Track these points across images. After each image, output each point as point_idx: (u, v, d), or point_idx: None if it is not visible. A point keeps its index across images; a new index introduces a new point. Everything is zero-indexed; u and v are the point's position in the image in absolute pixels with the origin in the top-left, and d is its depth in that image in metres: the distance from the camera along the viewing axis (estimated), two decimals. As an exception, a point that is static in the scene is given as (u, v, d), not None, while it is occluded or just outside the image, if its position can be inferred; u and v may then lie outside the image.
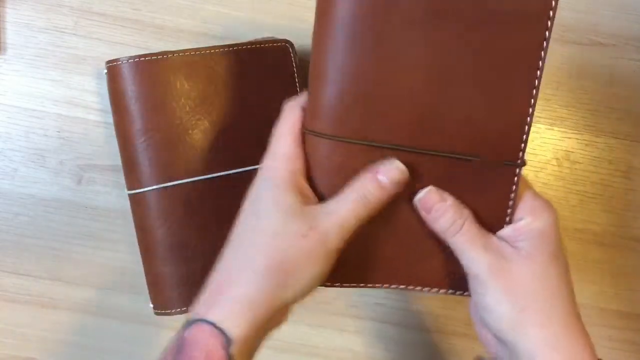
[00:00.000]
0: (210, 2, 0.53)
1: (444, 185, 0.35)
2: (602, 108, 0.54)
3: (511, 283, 0.32)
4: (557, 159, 0.54)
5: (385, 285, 0.37)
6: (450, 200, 0.34)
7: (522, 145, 0.34)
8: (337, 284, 0.36)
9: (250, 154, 0.48)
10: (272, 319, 0.32)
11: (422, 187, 0.35)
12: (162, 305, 0.48)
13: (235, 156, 0.48)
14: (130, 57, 0.46)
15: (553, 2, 0.32)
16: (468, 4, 0.31)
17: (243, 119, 0.48)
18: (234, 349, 0.30)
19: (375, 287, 0.37)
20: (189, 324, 0.31)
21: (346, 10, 0.31)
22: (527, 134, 0.34)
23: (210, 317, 0.30)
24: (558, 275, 0.33)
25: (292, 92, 0.50)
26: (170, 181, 0.46)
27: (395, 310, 0.54)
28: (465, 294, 0.37)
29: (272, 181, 0.33)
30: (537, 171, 0.54)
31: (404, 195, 0.35)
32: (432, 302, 0.54)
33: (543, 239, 0.33)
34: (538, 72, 0.32)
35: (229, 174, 0.48)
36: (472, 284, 0.34)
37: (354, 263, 0.36)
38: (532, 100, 0.33)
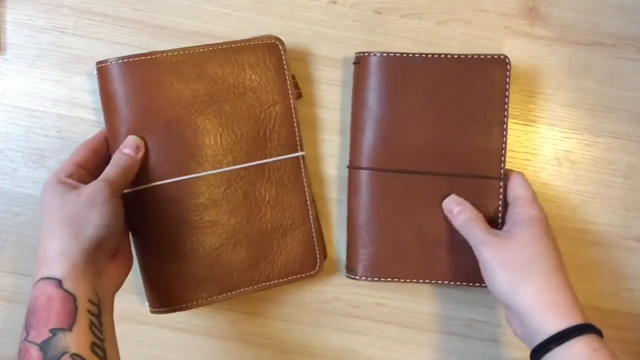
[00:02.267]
0: (210, 2, 0.53)
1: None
2: (602, 108, 0.54)
3: (504, 254, 0.45)
4: (557, 159, 0.54)
5: (421, 280, 0.51)
6: (467, 203, 0.49)
7: (502, 164, 0.50)
8: (381, 279, 0.50)
9: (242, 152, 0.48)
10: (95, 258, 0.42)
11: (438, 200, 0.50)
12: (157, 303, 0.48)
13: (227, 154, 0.48)
14: (120, 58, 0.46)
15: (507, 75, 0.50)
16: (449, 82, 0.50)
17: (234, 118, 0.48)
18: (66, 285, 0.39)
19: (417, 282, 0.51)
20: (32, 292, 0.40)
21: (376, 83, 0.50)
22: (504, 155, 0.50)
23: (41, 275, 0.40)
24: (539, 246, 0.45)
25: (283, 88, 0.50)
26: (161, 180, 0.46)
27: (395, 310, 0.54)
28: (481, 285, 0.48)
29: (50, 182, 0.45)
30: (537, 171, 0.54)
31: (429, 209, 0.50)
32: (432, 302, 0.54)
33: (528, 227, 0.46)
34: (505, 113, 0.49)
35: (221, 172, 0.48)
36: (480, 260, 0.46)
37: (396, 262, 0.50)
38: (504, 132, 0.49)
